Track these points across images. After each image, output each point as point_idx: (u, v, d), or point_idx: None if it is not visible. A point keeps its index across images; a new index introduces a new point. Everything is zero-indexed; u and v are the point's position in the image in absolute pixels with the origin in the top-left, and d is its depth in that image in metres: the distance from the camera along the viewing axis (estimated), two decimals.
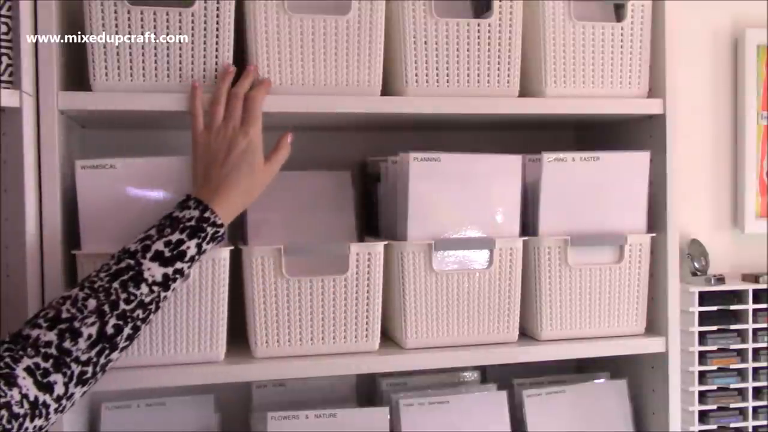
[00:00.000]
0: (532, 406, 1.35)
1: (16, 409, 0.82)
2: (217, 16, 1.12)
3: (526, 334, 1.30)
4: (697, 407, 1.48)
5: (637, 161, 1.29)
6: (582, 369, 1.50)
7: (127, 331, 0.95)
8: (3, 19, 1.03)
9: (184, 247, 1.00)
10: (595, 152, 1.27)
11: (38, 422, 0.85)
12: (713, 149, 1.66)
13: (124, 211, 1.11)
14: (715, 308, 1.48)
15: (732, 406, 1.50)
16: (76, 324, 0.91)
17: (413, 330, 1.22)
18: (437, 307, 1.23)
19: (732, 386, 1.50)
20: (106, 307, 0.93)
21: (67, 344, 0.89)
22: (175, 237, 1.00)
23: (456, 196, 1.22)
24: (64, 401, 0.89)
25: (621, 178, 1.28)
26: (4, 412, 0.81)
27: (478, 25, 1.21)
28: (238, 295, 1.20)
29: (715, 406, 1.50)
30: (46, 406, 0.86)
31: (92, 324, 0.92)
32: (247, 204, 1.10)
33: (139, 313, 0.96)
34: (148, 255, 0.98)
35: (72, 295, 0.93)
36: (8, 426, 0.81)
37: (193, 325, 1.14)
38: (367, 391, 1.43)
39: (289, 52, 1.15)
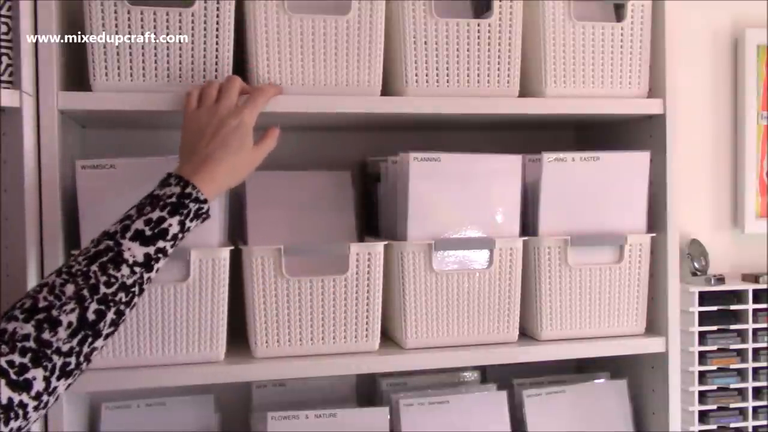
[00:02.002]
0: (532, 406, 1.35)
1: None
2: (217, 16, 1.13)
3: (526, 334, 1.30)
4: (697, 407, 1.48)
5: (637, 161, 1.29)
6: (582, 369, 1.50)
7: (110, 316, 0.89)
8: (3, 19, 1.03)
9: (165, 225, 0.94)
10: (595, 152, 1.27)
11: (15, 424, 0.81)
12: (713, 149, 1.66)
13: (124, 212, 1.11)
14: (715, 308, 1.48)
15: (732, 406, 1.50)
16: (54, 312, 0.85)
17: (413, 330, 1.22)
18: (437, 307, 1.23)
19: (732, 386, 1.50)
20: (86, 292, 0.88)
21: (46, 335, 0.84)
22: (155, 215, 0.94)
23: (456, 196, 1.22)
24: (45, 397, 0.83)
25: (621, 178, 1.28)
26: None
27: (478, 25, 1.21)
28: (238, 295, 1.20)
29: (715, 406, 1.49)
30: (23, 405, 0.81)
31: (71, 311, 0.86)
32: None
33: (122, 296, 0.91)
34: (128, 235, 0.92)
35: (48, 282, 0.88)
36: None
37: (193, 325, 1.14)
38: (367, 391, 1.43)
39: (289, 52, 1.15)
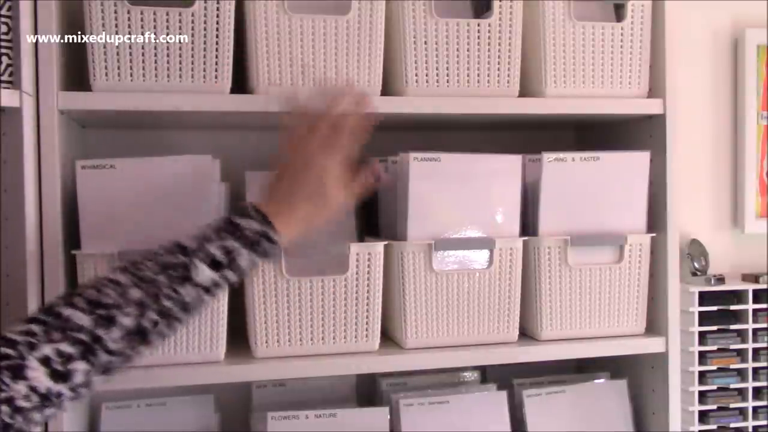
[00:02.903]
0: (532, 406, 1.35)
1: (21, 403, 0.79)
2: (217, 16, 1.13)
3: (526, 334, 1.30)
4: (697, 407, 1.48)
5: (637, 161, 1.29)
6: (582, 369, 1.50)
7: (161, 327, 0.90)
8: (3, 19, 1.03)
9: (237, 256, 0.95)
10: (595, 152, 1.27)
11: (49, 411, 0.82)
12: (713, 149, 1.66)
13: (124, 211, 1.11)
14: (715, 308, 1.48)
15: (732, 406, 1.50)
16: (115, 312, 0.87)
17: (413, 330, 1.22)
18: (437, 307, 1.23)
19: (732, 386, 1.50)
20: (149, 300, 0.89)
21: (100, 331, 0.86)
22: (230, 244, 0.95)
23: (456, 196, 1.22)
24: (81, 389, 0.84)
25: (621, 178, 1.28)
26: (4, 407, 0.78)
27: (478, 25, 1.21)
28: (239, 295, 1.20)
29: (715, 406, 1.49)
30: (59, 395, 0.83)
31: (130, 315, 0.87)
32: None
33: (179, 312, 0.92)
34: (201, 255, 0.93)
35: (117, 279, 0.89)
36: (10, 421, 0.78)
37: (193, 325, 1.14)
38: (367, 391, 1.43)
39: (289, 52, 1.15)
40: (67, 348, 0.84)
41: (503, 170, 1.24)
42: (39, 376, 0.81)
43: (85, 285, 0.90)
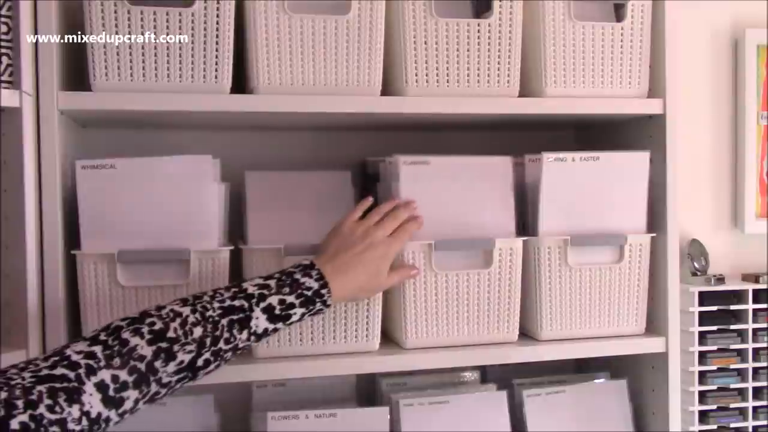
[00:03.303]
0: (532, 406, 1.35)
1: (71, 426, 0.80)
2: (217, 16, 1.12)
3: (526, 334, 1.30)
4: (697, 407, 1.48)
5: (637, 161, 1.29)
6: (582, 369, 1.50)
7: (211, 367, 0.95)
8: (3, 19, 1.03)
9: (292, 312, 1.01)
10: (595, 152, 1.27)
11: None
12: (713, 149, 1.65)
13: (124, 211, 1.11)
14: (715, 308, 1.48)
15: (732, 406, 1.50)
16: (176, 348, 0.91)
17: (413, 330, 1.22)
18: (437, 307, 1.23)
19: (732, 386, 1.50)
20: (208, 341, 0.93)
21: (158, 364, 0.89)
22: (289, 299, 1.01)
23: (449, 198, 1.22)
24: (126, 415, 0.88)
25: (621, 178, 1.28)
26: (56, 428, 0.78)
27: (478, 25, 1.21)
28: None
29: (715, 406, 1.49)
30: (107, 420, 0.84)
31: (189, 352, 0.92)
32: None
33: (230, 355, 0.96)
34: (262, 305, 0.98)
35: (183, 314, 0.93)
36: None
37: None
38: (367, 391, 1.43)
39: (289, 52, 1.15)
40: (124, 376, 0.86)
41: (493, 171, 1.24)
42: (93, 402, 0.83)
43: (151, 312, 0.93)
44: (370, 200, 1.19)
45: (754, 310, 1.48)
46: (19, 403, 0.77)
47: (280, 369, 1.17)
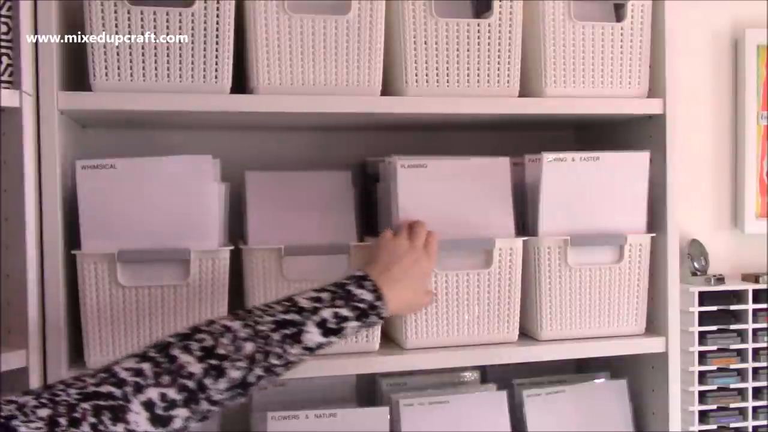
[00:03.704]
0: (532, 406, 1.35)
1: None
2: (217, 16, 1.12)
3: (526, 334, 1.30)
4: (697, 407, 1.48)
5: (637, 161, 1.29)
6: (582, 369, 1.50)
7: (262, 383, 0.92)
8: (3, 19, 1.03)
9: (346, 325, 0.98)
10: (595, 152, 1.27)
11: None
12: (713, 149, 1.65)
13: (124, 211, 1.11)
14: (715, 308, 1.48)
15: (732, 406, 1.50)
16: (227, 364, 0.87)
17: (413, 330, 1.22)
18: (437, 308, 1.23)
19: (732, 386, 1.50)
20: (259, 356, 0.90)
21: (208, 381, 0.86)
22: (343, 311, 0.97)
23: (448, 199, 1.22)
24: None
25: (621, 178, 1.28)
26: None
27: (478, 25, 1.21)
28: (238, 295, 1.20)
29: (715, 406, 1.49)
30: None
31: (240, 369, 0.88)
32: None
33: (281, 370, 0.93)
34: (315, 319, 0.95)
35: (233, 329, 0.90)
36: None
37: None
38: (367, 391, 1.43)
39: (289, 52, 1.15)
40: (172, 394, 0.83)
41: (491, 172, 1.24)
42: (139, 420, 0.80)
43: (201, 327, 0.90)
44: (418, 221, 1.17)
45: (754, 310, 1.48)
46: (63, 420, 0.75)
47: None
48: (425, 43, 1.20)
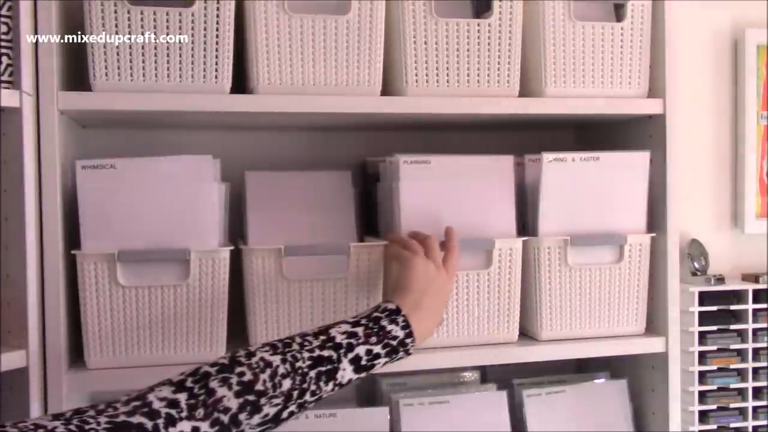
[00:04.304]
0: (532, 406, 1.35)
1: None
2: (217, 16, 1.12)
3: (526, 334, 1.30)
4: (697, 407, 1.48)
5: (637, 161, 1.29)
6: (582, 369, 1.50)
7: (294, 418, 0.92)
8: (3, 19, 1.03)
9: (377, 362, 0.98)
10: (595, 152, 1.27)
11: None
12: (713, 149, 1.65)
13: (124, 211, 1.11)
14: (715, 308, 1.48)
15: (732, 406, 1.50)
16: (263, 401, 0.87)
17: None
18: None
19: (732, 386, 1.50)
20: (295, 394, 0.90)
21: (243, 416, 0.85)
22: (376, 348, 0.97)
23: (450, 198, 1.22)
24: None
25: (621, 178, 1.28)
26: None
27: (478, 25, 1.21)
28: (238, 295, 1.20)
29: (715, 406, 1.49)
30: None
31: (275, 405, 0.88)
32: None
33: (313, 405, 0.93)
34: (350, 356, 0.95)
35: (273, 364, 0.89)
36: None
37: (193, 325, 1.14)
38: (367, 391, 1.43)
39: (289, 52, 1.15)
40: (205, 428, 0.82)
41: (495, 171, 1.24)
42: None
43: (241, 359, 0.89)
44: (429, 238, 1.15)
45: (754, 310, 1.48)
46: None
47: None
48: (425, 43, 1.20)
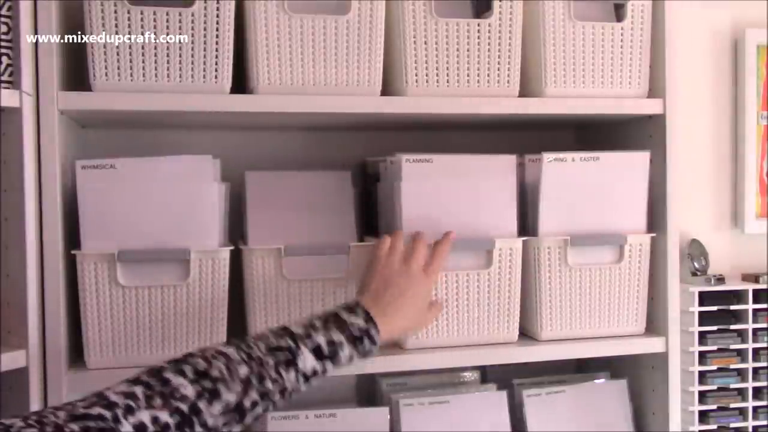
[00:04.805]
0: (532, 406, 1.35)
1: None
2: (217, 16, 1.13)
3: (526, 334, 1.30)
4: (697, 407, 1.48)
5: (637, 161, 1.29)
6: (582, 369, 1.50)
7: (258, 410, 0.91)
8: (3, 19, 1.03)
9: (339, 350, 0.98)
10: (595, 152, 1.27)
11: None
12: (713, 149, 1.65)
13: (124, 211, 1.11)
14: (715, 308, 1.48)
15: (732, 406, 1.50)
16: (221, 387, 0.87)
17: None
18: None
19: (732, 386, 1.50)
20: (254, 379, 0.90)
21: (202, 405, 0.85)
22: (336, 337, 0.98)
23: (451, 197, 1.22)
24: None
25: (621, 178, 1.28)
26: None
27: (478, 25, 1.21)
28: (238, 295, 1.20)
29: (715, 406, 1.49)
30: None
31: (235, 392, 0.88)
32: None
33: (277, 396, 0.92)
34: (309, 344, 0.96)
35: (227, 353, 0.90)
36: None
37: (193, 324, 1.14)
38: (367, 391, 1.43)
39: (289, 52, 1.15)
40: (165, 417, 0.82)
41: (497, 170, 1.24)
42: None
43: (194, 352, 0.90)
44: (400, 233, 1.16)
45: (754, 310, 1.48)
46: None
47: None
48: (425, 43, 1.20)
